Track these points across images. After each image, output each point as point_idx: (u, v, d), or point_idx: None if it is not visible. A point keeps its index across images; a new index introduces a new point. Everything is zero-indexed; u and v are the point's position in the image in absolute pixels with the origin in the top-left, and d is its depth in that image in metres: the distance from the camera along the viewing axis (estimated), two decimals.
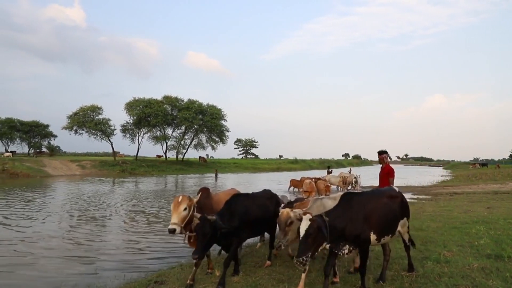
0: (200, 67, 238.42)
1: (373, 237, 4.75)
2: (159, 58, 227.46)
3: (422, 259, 6.27)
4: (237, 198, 5.85)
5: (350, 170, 33.20)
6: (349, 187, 23.05)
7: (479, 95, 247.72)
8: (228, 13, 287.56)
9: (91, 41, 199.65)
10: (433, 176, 46.55)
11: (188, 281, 5.53)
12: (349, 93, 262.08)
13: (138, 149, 58.91)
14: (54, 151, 74.70)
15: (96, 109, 54.65)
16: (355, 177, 23.38)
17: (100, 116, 54.92)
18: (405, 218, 5.41)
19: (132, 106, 55.20)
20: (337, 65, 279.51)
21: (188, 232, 5.23)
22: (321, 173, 36.28)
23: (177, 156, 62.16)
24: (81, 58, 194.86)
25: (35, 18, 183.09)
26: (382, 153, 7.75)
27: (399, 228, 5.27)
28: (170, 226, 4.97)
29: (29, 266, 7.65)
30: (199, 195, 5.71)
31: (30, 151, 67.74)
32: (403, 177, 45.85)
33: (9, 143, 65.37)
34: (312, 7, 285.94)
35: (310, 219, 4.21)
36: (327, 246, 4.47)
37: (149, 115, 54.30)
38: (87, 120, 53.54)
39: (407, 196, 20.41)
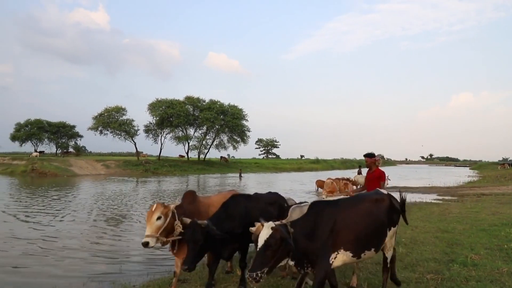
0: (221, 67, 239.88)
1: (346, 255, 4.02)
2: (180, 59, 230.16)
3: (448, 261, 6.12)
4: (236, 199, 5.28)
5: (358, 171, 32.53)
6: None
7: (509, 93, 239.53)
8: (249, 14, 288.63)
9: (115, 44, 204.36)
10: (459, 176, 45.34)
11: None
12: (372, 92, 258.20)
13: (161, 149, 59.95)
14: (80, 151, 76.80)
15: (120, 110, 55.89)
16: None
17: (124, 117, 56.18)
18: (395, 227, 4.67)
19: (154, 107, 56.06)
20: (359, 64, 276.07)
21: (170, 240, 4.83)
22: (343, 173, 35.92)
23: (198, 156, 62.80)
24: (105, 60, 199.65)
25: (62, 22, 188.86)
26: (372, 156, 7.23)
27: (386, 239, 4.53)
28: (143, 240, 4.56)
29: (51, 265, 7.77)
30: (181, 200, 5.38)
31: (57, 151, 69.82)
32: (427, 177, 44.95)
33: (38, 144, 67.60)
34: (333, 6, 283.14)
35: (272, 228, 3.59)
36: (290, 262, 3.87)
37: (171, 115, 55.03)
38: (112, 120, 54.78)
39: (432, 197, 20.00)
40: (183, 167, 51.26)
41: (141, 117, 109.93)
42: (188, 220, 4.61)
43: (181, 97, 58.88)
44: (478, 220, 10.49)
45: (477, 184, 31.45)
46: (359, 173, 27.25)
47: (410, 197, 19.72)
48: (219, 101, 59.64)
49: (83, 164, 44.99)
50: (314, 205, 4.12)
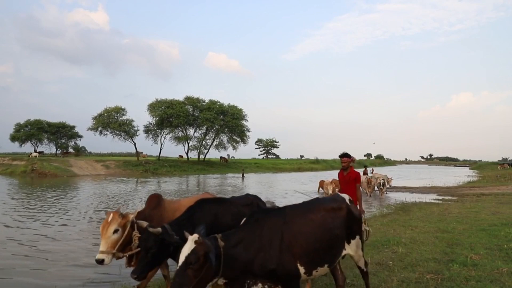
0: (220, 67, 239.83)
1: (300, 269, 3.58)
2: (180, 59, 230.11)
3: (448, 261, 6.11)
4: (202, 204, 4.70)
5: (373, 170, 32.50)
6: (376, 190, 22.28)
7: (509, 93, 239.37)
8: (249, 14, 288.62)
9: (114, 44, 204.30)
10: (459, 176, 45.31)
11: None
12: (372, 92, 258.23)
13: (161, 150, 59.99)
14: (80, 152, 76.78)
15: (120, 110, 55.93)
16: (382, 179, 21.29)
17: (124, 117, 56.24)
18: (356, 238, 4.22)
19: (154, 107, 56.10)
20: (359, 64, 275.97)
21: (127, 254, 4.27)
22: None
23: (198, 156, 62.81)
24: (105, 60, 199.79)
25: (62, 22, 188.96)
26: (349, 156, 6.79)
27: (348, 251, 4.14)
28: (97, 256, 4.01)
29: (47, 268, 7.64)
30: (145, 204, 4.91)
31: (57, 152, 69.83)
32: (427, 177, 44.94)
33: (37, 144, 67.60)
34: (333, 6, 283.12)
35: (196, 241, 3.01)
36: (221, 281, 3.30)
37: (171, 115, 55.04)
38: (112, 121, 54.80)
39: (432, 197, 20.00)
40: (183, 168, 51.22)
41: (141, 117, 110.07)
42: (144, 224, 4.11)
43: (181, 97, 59.12)
44: (478, 220, 10.49)
45: (476, 184, 31.43)
46: (365, 173, 26.34)
47: (410, 197, 19.74)
48: (219, 101, 59.82)
49: (83, 165, 44.97)
50: (255, 215, 3.62)
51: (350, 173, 6.79)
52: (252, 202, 5.21)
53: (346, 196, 4.36)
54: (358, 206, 6.77)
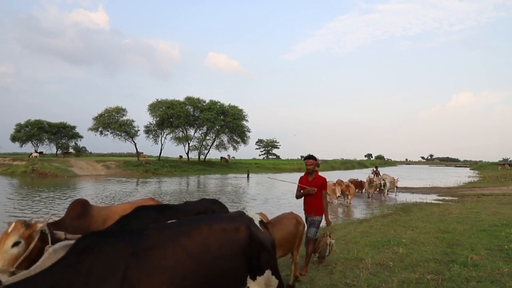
0: (220, 67, 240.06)
1: None
2: (180, 59, 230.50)
3: (448, 262, 6.10)
4: (141, 211, 3.92)
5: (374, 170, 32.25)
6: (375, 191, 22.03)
7: (509, 93, 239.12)
8: (249, 14, 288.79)
9: (114, 44, 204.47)
10: (460, 177, 45.29)
11: None
12: (372, 92, 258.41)
13: (161, 150, 59.98)
14: (80, 152, 76.78)
15: (120, 111, 55.89)
16: (383, 180, 20.37)
17: (124, 118, 56.17)
18: (266, 273, 3.02)
19: (155, 108, 56.13)
20: (359, 64, 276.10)
21: None
22: (343, 174, 35.79)
23: (199, 157, 62.87)
24: (105, 60, 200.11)
25: (62, 22, 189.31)
26: (315, 158, 6.10)
27: None
28: None
29: None
30: (66, 212, 4.13)
31: (57, 152, 69.85)
32: (427, 178, 44.93)
33: (38, 144, 67.58)
34: (333, 6, 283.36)
35: None
36: None
37: (171, 116, 55.08)
38: (112, 121, 54.78)
39: (432, 197, 19.98)
40: (183, 168, 51.25)
41: (141, 118, 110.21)
42: (62, 235, 3.37)
43: (181, 98, 59.19)
44: (479, 220, 10.47)
45: (477, 185, 31.44)
46: (376, 173, 24.89)
47: (410, 198, 19.74)
48: (219, 102, 59.99)
49: (83, 165, 44.97)
50: (85, 240, 2.44)
51: (316, 178, 6.12)
52: (206, 209, 4.40)
53: (256, 217, 3.28)
54: (324, 216, 6.23)
